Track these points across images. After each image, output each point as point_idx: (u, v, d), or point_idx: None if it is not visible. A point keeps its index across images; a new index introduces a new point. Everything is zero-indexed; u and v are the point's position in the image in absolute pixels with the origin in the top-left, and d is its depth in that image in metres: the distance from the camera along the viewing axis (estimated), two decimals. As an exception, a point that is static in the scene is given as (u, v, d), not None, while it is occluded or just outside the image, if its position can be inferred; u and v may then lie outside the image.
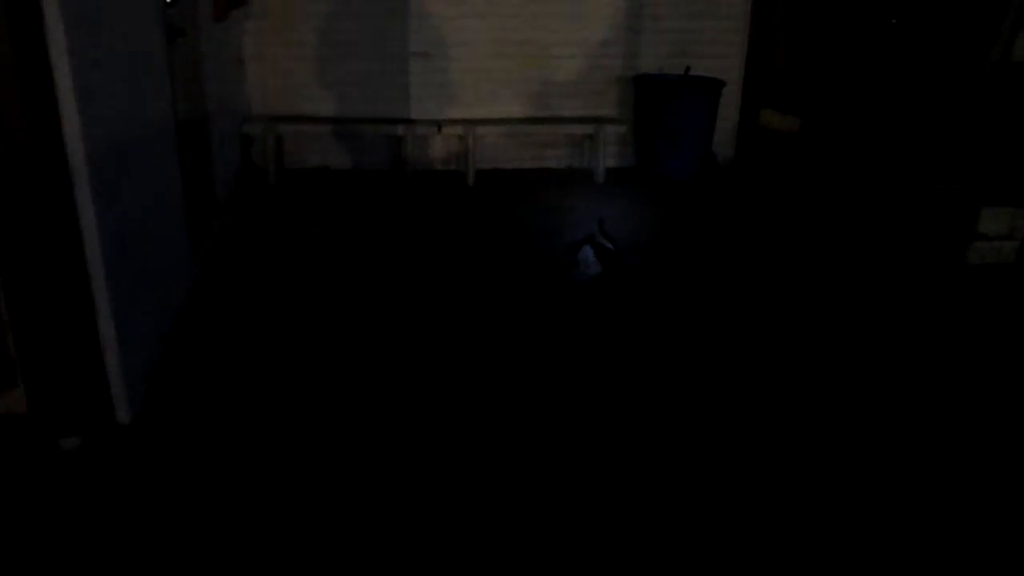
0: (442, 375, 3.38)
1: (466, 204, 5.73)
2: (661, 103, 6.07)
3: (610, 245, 4.23)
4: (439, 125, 6.13)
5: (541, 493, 2.65)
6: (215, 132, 4.73)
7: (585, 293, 4.13)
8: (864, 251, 5.03)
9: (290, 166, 6.33)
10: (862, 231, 5.38)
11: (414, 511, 2.53)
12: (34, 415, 2.65)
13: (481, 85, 6.33)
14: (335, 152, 6.37)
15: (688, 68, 6.23)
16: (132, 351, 2.83)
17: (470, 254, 4.72)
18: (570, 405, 3.19)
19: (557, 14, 6.19)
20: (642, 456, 2.89)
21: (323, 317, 3.85)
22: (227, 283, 4.16)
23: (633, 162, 6.57)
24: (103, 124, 2.63)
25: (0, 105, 2.28)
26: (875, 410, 3.28)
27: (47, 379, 2.61)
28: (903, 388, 3.43)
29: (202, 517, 2.45)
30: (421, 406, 3.14)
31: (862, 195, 6.07)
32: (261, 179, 5.98)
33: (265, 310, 3.89)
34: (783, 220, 5.54)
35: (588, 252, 4.19)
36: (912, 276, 4.65)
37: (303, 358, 3.45)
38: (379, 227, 5.13)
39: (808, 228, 5.40)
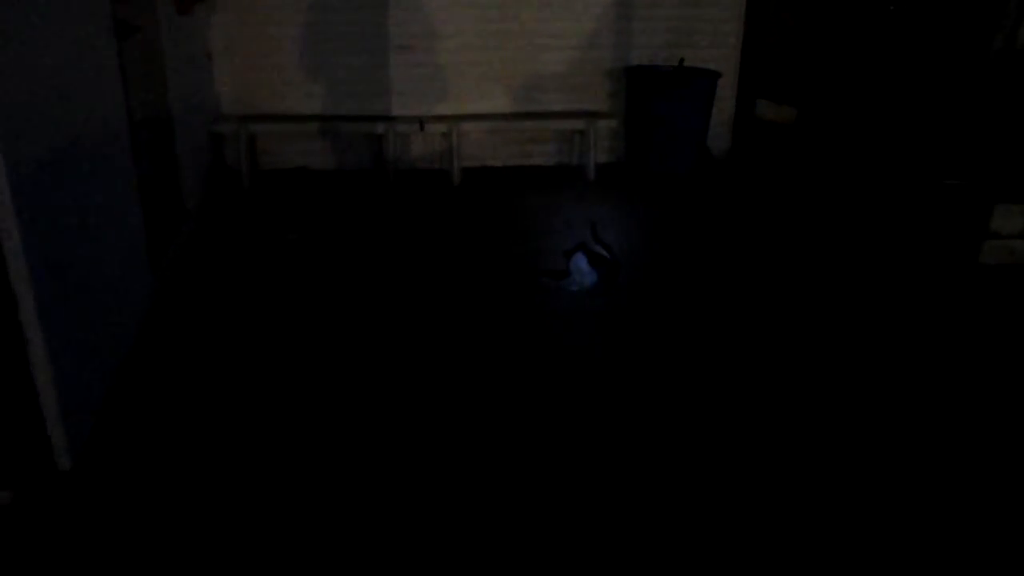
0: (423, 403, 3.10)
1: (451, 205, 5.44)
2: (654, 96, 5.79)
3: (604, 252, 3.94)
4: (421, 122, 5.84)
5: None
6: (180, 133, 4.43)
7: (579, 304, 3.85)
8: (869, 250, 4.77)
9: (266, 167, 6.02)
10: (866, 228, 5.12)
11: None
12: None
13: (465, 79, 6.03)
14: (313, 152, 6.06)
15: (682, 59, 5.94)
16: (73, 390, 2.54)
17: (455, 262, 4.43)
18: (560, 431, 2.92)
19: (544, 3, 5.89)
20: (639, 474, 2.63)
21: (296, 335, 3.56)
22: (191, 298, 3.86)
23: (625, 157, 6.29)
24: (26, 135, 2.33)
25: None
26: (883, 417, 3.06)
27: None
28: (912, 394, 3.21)
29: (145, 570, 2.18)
30: (400, 441, 2.86)
31: (864, 190, 5.82)
32: (234, 181, 5.67)
33: (232, 327, 3.60)
34: (784, 218, 5.27)
35: (581, 260, 3.90)
36: (921, 277, 4.39)
37: (271, 384, 3.17)
38: (360, 232, 4.84)
39: (810, 226, 5.14)
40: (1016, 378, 3.38)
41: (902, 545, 2.40)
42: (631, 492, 2.61)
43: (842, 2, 7.13)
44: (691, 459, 2.79)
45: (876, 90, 6.84)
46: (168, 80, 4.22)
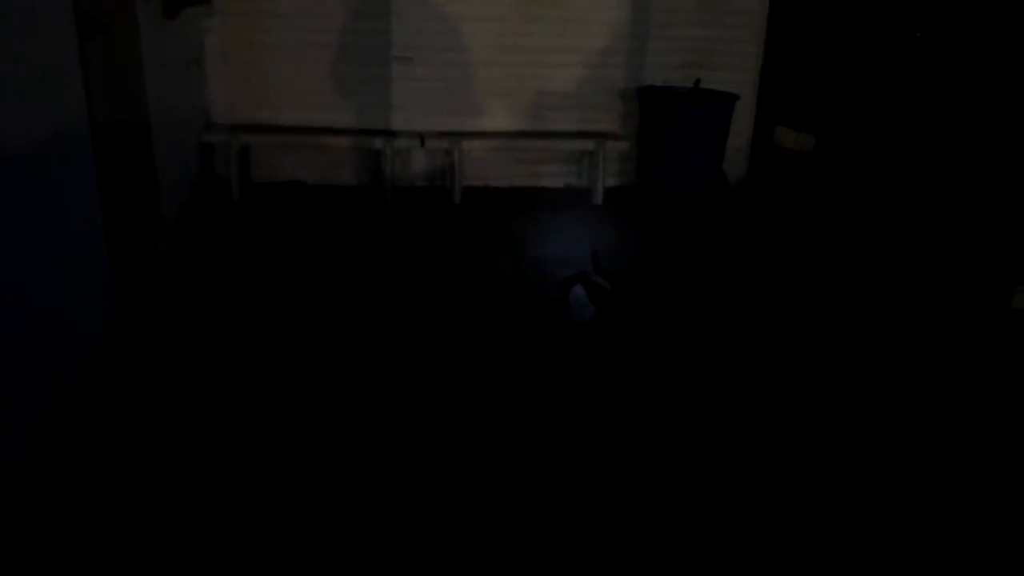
0: (412, 450, 2.78)
1: (449, 227, 5.15)
2: (668, 118, 5.49)
3: (605, 283, 3.63)
4: (422, 138, 5.56)
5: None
6: (160, 142, 4.15)
7: (575, 339, 3.53)
8: (891, 290, 4.44)
9: (259, 179, 5.75)
10: (889, 266, 4.79)
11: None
12: None
13: (470, 95, 5.75)
14: (308, 165, 5.78)
15: (698, 80, 5.65)
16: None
17: (447, 289, 4.12)
18: (548, 478, 2.60)
19: (554, 18, 5.62)
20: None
21: (269, 368, 3.25)
22: (158, 322, 3.56)
23: (635, 181, 5.98)
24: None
25: None
26: (903, 462, 2.73)
27: None
28: (937, 448, 2.87)
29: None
30: (381, 499, 2.55)
31: (887, 225, 5.49)
32: (223, 194, 5.40)
33: (195, 358, 3.29)
34: (802, 252, 4.94)
35: (580, 292, 3.59)
36: (947, 322, 4.05)
37: (227, 430, 2.86)
38: (351, 253, 4.55)
39: (830, 262, 4.81)
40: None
41: None
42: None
43: (865, 29, 6.85)
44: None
45: (901, 120, 6.53)
46: (147, 85, 3.95)
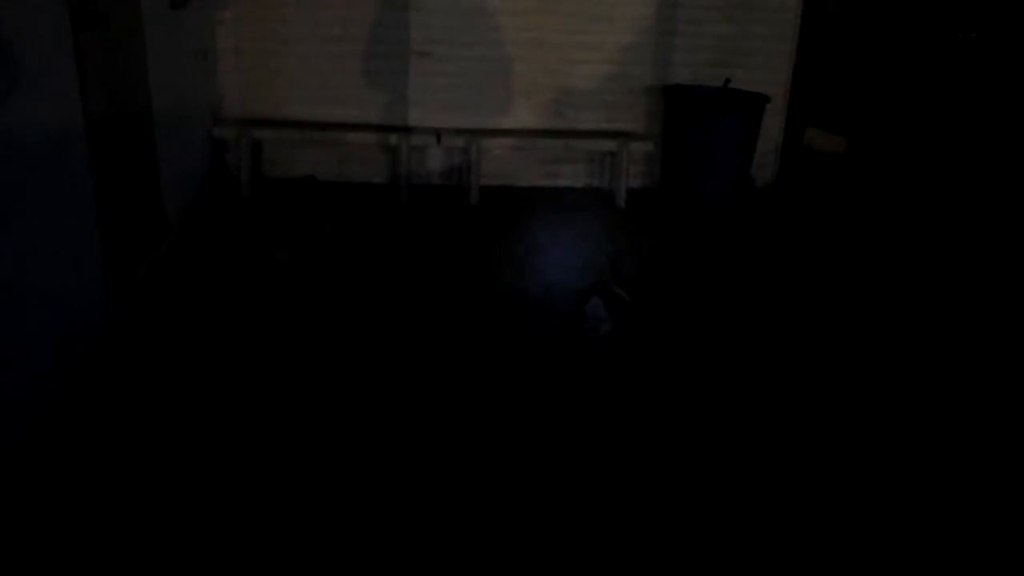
0: (406, 460, 2.60)
1: (465, 228, 4.96)
2: (696, 118, 5.26)
3: (625, 295, 3.42)
4: (439, 135, 5.37)
5: None
6: (164, 138, 4.00)
7: (590, 356, 3.33)
8: (931, 299, 4.19)
9: (271, 175, 5.59)
10: (926, 274, 4.54)
11: None
12: None
13: (489, 91, 5.55)
14: (322, 161, 5.61)
15: (728, 80, 5.41)
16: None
17: (461, 295, 3.94)
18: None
19: (578, 12, 5.40)
20: None
21: (268, 374, 3.09)
22: (156, 326, 3.41)
23: (660, 184, 5.76)
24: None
25: None
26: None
27: None
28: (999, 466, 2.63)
29: None
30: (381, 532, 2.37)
31: (924, 230, 5.23)
32: (233, 191, 5.24)
33: (189, 365, 3.13)
34: (837, 262, 4.70)
35: (597, 304, 3.39)
36: (987, 328, 3.81)
37: (221, 444, 2.69)
38: (362, 254, 4.37)
39: (864, 273, 4.56)
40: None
41: None
42: None
43: (901, 27, 6.57)
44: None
45: (937, 120, 6.26)
46: (151, 78, 3.79)
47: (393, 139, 5.31)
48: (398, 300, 3.84)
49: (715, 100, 5.34)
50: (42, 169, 2.65)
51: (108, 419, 2.75)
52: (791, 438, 2.90)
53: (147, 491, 2.41)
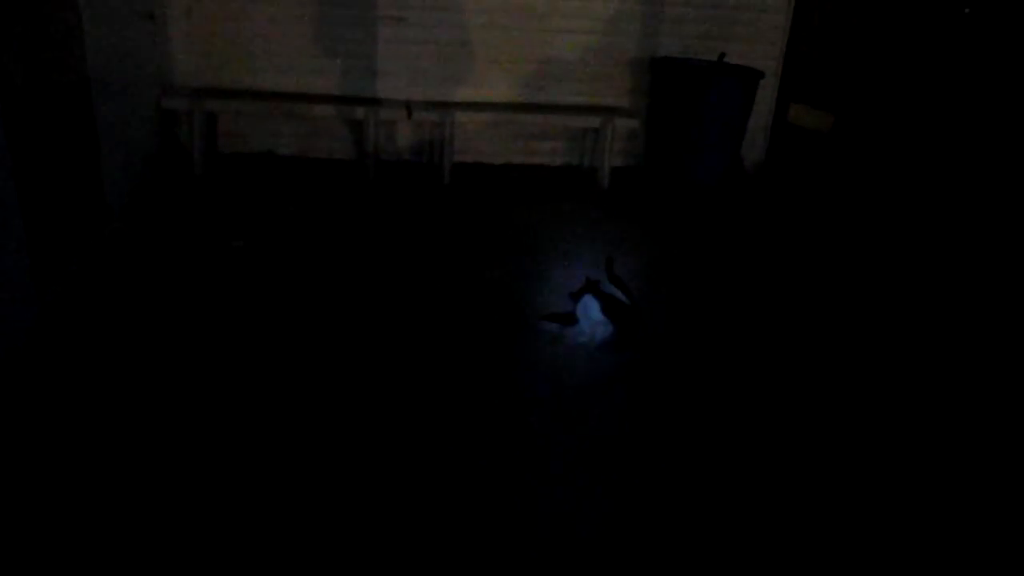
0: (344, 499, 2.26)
1: (436, 211, 4.59)
2: (686, 94, 4.92)
3: (622, 295, 3.10)
4: (409, 108, 4.96)
5: None
6: (104, 110, 3.55)
7: (583, 363, 3.01)
8: (933, 285, 3.96)
9: (228, 150, 5.14)
10: (917, 255, 4.31)
11: None
12: None
13: (464, 61, 5.15)
14: (283, 135, 5.18)
15: (723, 55, 5.07)
16: None
17: (428, 290, 3.58)
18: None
19: (561, -23, 5.02)
20: None
21: (211, 386, 2.71)
22: (88, 328, 3.00)
23: (644, 162, 5.42)
24: None
25: None
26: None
27: None
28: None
29: None
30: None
31: (919, 212, 4.99)
32: (186, 168, 4.79)
33: (123, 373, 2.74)
34: (838, 248, 4.43)
35: (591, 305, 3.06)
36: (979, 311, 3.59)
37: (147, 462, 2.33)
38: (320, 240, 3.99)
39: (867, 256, 4.31)
40: None
41: None
42: None
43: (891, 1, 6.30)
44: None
45: (927, 96, 6.01)
46: (87, 42, 3.34)
47: (360, 112, 4.89)
48: (367, 295, 3.48)
49: (707, 75, 5.01)
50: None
51: (24, 434, 2.37)
52: (801, 449, 2.62)
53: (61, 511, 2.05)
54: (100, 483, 2.22)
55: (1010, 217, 4.87)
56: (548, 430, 2.60)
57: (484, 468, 2.41)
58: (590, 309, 3.05)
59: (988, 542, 2.32)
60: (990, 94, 5.47)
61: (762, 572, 2.14)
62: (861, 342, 3.39)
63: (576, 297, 3.10)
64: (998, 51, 5.44)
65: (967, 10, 5.58)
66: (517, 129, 5.35)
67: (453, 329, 3.21)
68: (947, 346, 3.44)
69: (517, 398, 2.76)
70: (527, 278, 3.71)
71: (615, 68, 5.29)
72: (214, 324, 3.08)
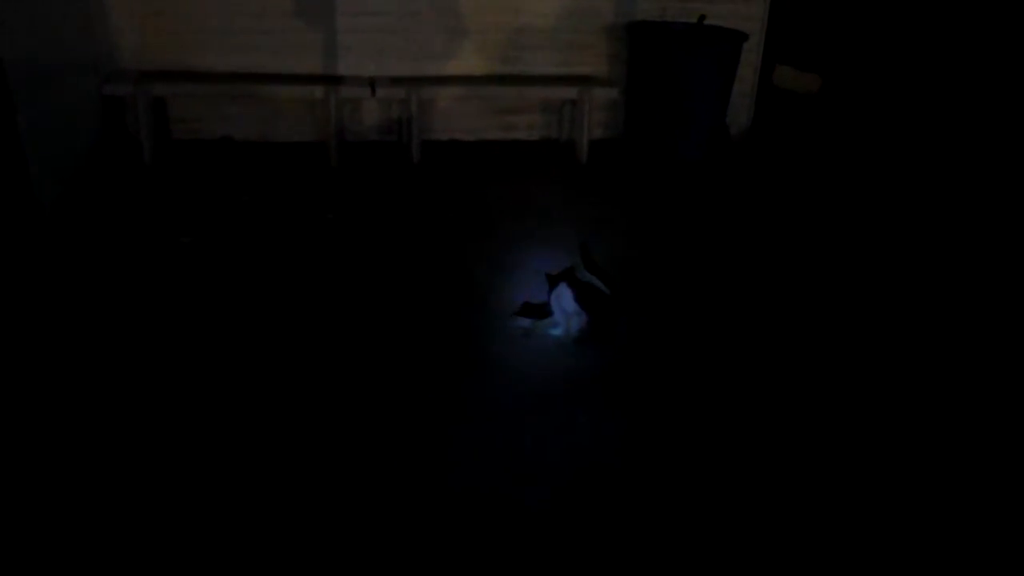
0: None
1: (404, 193, 4.30)
2: (666, 60, 4.62)
3: (599, 283, 2.83)
4: (373, 85, 4.65)
5: None
6: (29, 99, 3.25)
7: (557, 358, 2.75)
8: (919, 258, 3.72)
9: (181, 137, 4.83)
10: (922, 233, 4.06)
11: None
12: None
13: (430, 32, 4.82)
14: (239, 119, 4.85)
15: (703, 16, 4.76)
16: None
17: (393, 282, 3.32)
18: None
19: (531, -64, 4.69)
20: None
21: (141, 403, 2.45)
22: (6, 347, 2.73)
23: (624, 134, 5.13)
24: None
25: None
26: None
27: None
28: None
29: None
30: None
31: (909, 177, 4.74)
32: (134, 158, 4.48)
33: (48, 391, 2.48)
34: (832, 224, 4.18)
35: (565, 296, 2.79)
36: (974, 287, 3.37)
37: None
38: (277, 231, 3.71)
39: (860, 230, 4.05)
40: None
41: None
42: None
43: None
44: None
45: (916, 54, 5.71)
46: (4, 19, 3.03)
47: (319, 91, 4.58)
48: (318, 291, 3.21)
49: (687, 39, 4.70)
50: None
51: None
52: (802, 463, 2.38)
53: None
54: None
55: (1007, 182, 4.63)
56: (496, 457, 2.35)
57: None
58: (563, 299, 2.78)
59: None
60: (987, 48, 5.19)
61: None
62: (861, 332, 3.14)
63: (551, 283, 2.83)
64: (994, 3, 5.15)
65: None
66: (490, 103, 5.04)
67: (411, 326, 2.95)
68: (948, 327, 3.20)
69: (472, 408, 2.50)
70: (494, 265, 3.44)
71: (591, 35, 4.98)
72: (148, 336, 2.81)
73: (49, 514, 2.06)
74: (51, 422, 2.36)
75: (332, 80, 4.69)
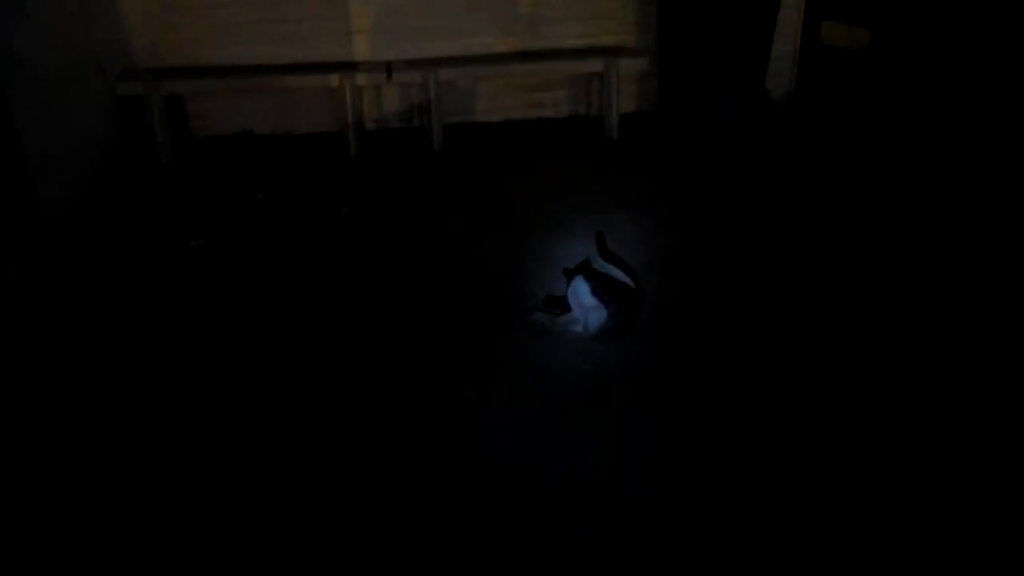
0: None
1: (424, 183, 4.14)
2: (697, 21, 4.31)
3: (620, 274, 2.61)
4: (389, 69, 4.48)
5: None
6: (30, 103, 3.17)
7: (576, 356, 2.56)
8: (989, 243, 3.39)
9: (202, 133, 4.74)
10: (982, 207, 3.72)
11: None
12: None
13: (446, 9, 4.62)
14: (260, 112, 4.75)
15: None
16: None
17: (412, 282, 3.16)
18: None
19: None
20: None
21: (144, 427, 2.35)
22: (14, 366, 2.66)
23: (656, 106, 4.85)
24: None
25: None
26: None
27: None
28: None
29: None
30: None
31: (974, 138, 4.36)
32: (153, 158, 4.40)
33: (46, 408, 2.40)
34: (882, 189, 3.87)
35: (582, 290, 2.59)
36: None
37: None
38: (298, 232, 3.58)
39: (916, 203, 3.74)
40: None
41: None
42: None
43: None
44: None
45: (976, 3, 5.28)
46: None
47: (334, 80, 4.42)
48: (334, 292, 3.07)
49: (719, -2, 4.39)
50: None
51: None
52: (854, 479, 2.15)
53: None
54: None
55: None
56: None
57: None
58: (580, 293, 2.58)
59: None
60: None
61: None
62: (924, 328, 2.87)
63: (569, 276, 2.64)
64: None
65: None
66: (512, 81, 4.82)
67: (427, 326, 2.79)
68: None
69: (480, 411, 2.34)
70: (514, 258, 3.25)
71: (615, 2, 4.70)
72: (149, 351, 2.71)
73: (55, 514, 2.03)
74: (53, 425, 2.29)
75: (348, 67, 4.53)
